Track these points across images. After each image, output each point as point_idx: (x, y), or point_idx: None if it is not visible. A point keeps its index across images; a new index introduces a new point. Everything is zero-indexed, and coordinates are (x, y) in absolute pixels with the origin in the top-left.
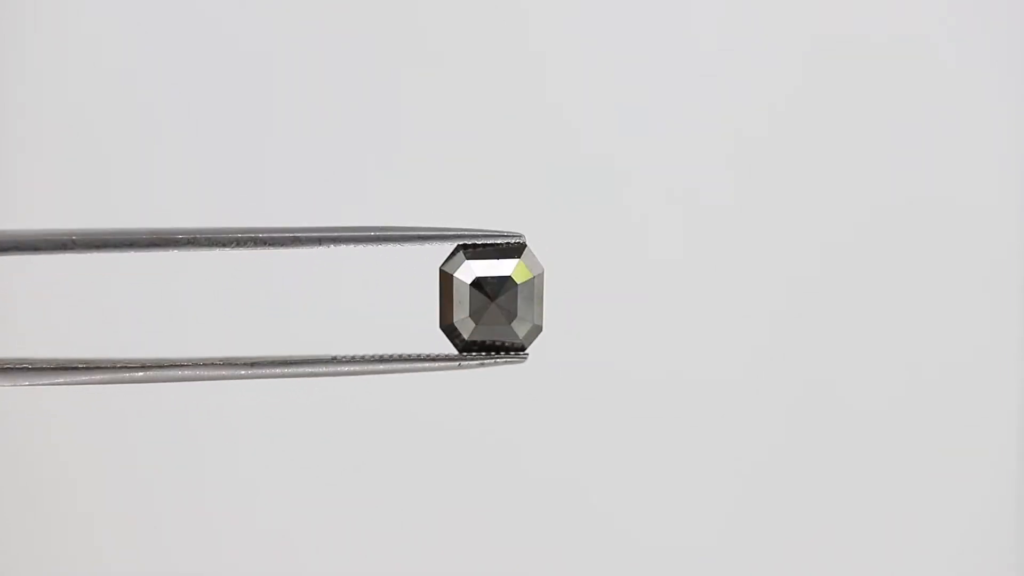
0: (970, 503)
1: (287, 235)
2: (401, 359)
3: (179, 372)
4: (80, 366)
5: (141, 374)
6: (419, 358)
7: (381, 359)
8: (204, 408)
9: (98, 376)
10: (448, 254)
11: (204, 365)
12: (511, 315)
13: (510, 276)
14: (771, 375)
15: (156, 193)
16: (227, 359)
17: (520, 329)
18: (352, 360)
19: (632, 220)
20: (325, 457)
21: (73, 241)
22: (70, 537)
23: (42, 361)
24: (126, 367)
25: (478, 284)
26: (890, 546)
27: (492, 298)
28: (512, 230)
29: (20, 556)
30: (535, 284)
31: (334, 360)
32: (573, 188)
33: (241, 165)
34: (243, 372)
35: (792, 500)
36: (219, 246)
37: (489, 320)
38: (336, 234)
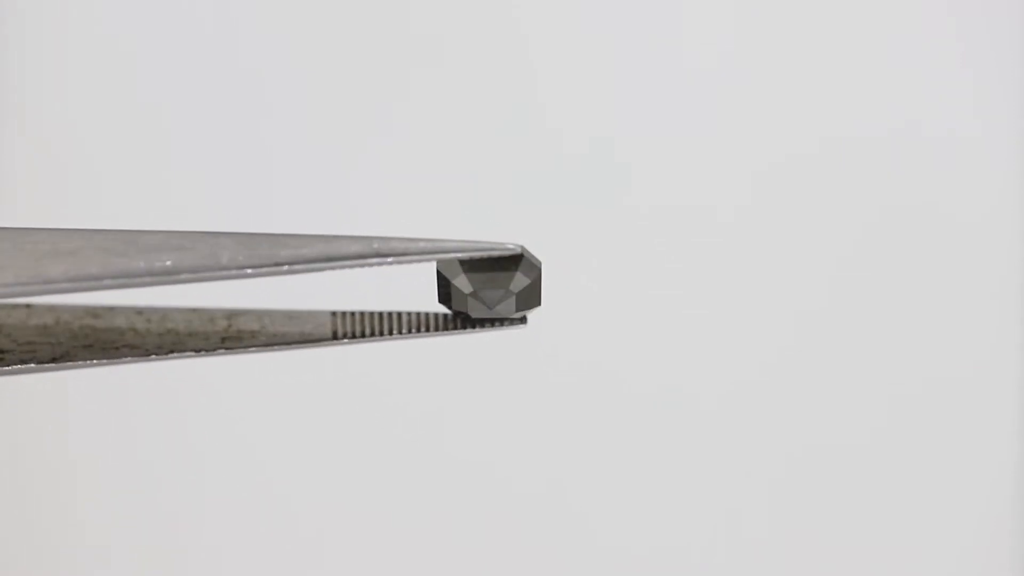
0: (970, 506)
1: (279, 264)
2: (403, 324)
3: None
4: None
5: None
6: (420, 324)
7: (383, 323)
8: (200, 395)
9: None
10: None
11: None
12: (509, 318)
13: (507, 289)
14: (770, 375)
15: (140, 198)
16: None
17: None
18: (352, 324)
19: (631, 224)
20: (320, 449)
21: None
22: (66, 533)
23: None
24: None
25: (476, 295)
26: (889, 550)
27: (490, 307)
28: (509, 242)
29: (19, 554)
30: (532, 286)
31: (333, 325)
32: (570, 191)
33: (231, 171)
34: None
35: (791, 504)
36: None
37: (487, 315)
38: (329, 254)
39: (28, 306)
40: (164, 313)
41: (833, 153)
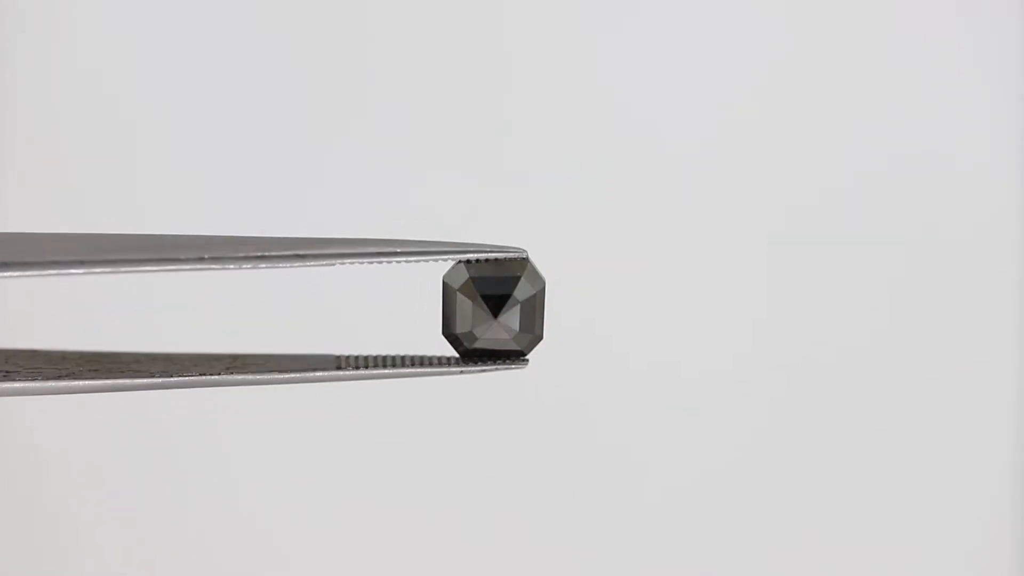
0: (969, 510)
1: (292, 253)
2: (403, 364)
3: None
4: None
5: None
6: (421, 362)
7: (383, 363)
8: (192, 412)
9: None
10: (451, 265)
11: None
12: (512, 331)
13: (512, 294)
14: (768, 375)
15: (144, 198)
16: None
17: (521, 342)
18: (356, 363)
19: (633, 229)
20: (317, 464)
21: (81, 261)
22: (58, 540)
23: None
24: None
25: (480, 302)
26: (890, 553)
27: (495, 315)
28: (514, 245)
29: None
30: (536, 299)
31: (337, 363)
32: (574, 196)
33: (231, 175)
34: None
35: (791, 505)
36: (225, 265)
37: (491, 335)
38: (341, 250)
39: (34, 351)
40: (169, 356)
41: (836, 170)
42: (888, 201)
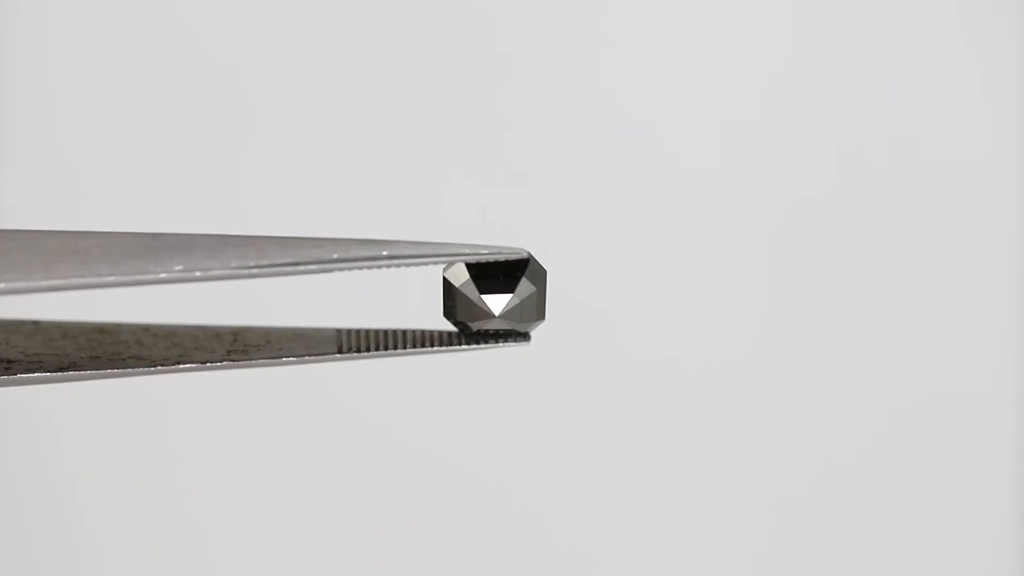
0: (969, 506)
1: (289, 262)
2: (406, 340)
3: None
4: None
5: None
6: (424, 339)
7: (385, 339)
8: (190, 401)
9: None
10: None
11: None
12: (513, 323)
13: (512, 294)
14: (766, 372)
15: (138, 196)
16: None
17: (523, 327)
18: (357, 339)
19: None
20: (320, 456)
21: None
22: (64, 538)
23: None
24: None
25: (481, 301)
26: (887, 549)
27: (495, 313)
28: (515, 246)
29: (16, 556)
30: (537, 294)
31: (338, 339)
32: (575, 186)
33: (231, 175)
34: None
35: (790, 507)
36: (215, 276)
37: (492, 326)
38: (340, 255)
39: (35, 323)
40: (171, 330)
41: (833, 167)
42: (888, 199)
